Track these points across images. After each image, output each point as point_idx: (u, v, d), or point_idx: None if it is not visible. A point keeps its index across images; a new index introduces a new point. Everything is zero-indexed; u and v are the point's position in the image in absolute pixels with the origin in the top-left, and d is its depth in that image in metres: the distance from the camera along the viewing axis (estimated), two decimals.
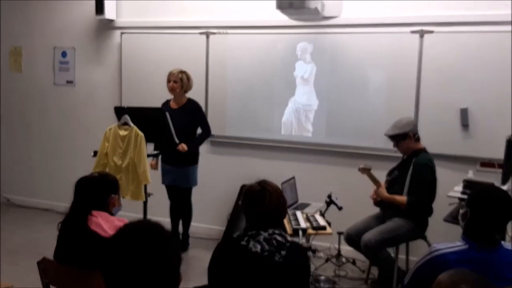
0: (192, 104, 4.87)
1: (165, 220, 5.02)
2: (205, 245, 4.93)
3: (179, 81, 4.79)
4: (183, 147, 4.66)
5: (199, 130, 4.93)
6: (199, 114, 4.91)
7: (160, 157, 4.94)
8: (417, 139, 4.07)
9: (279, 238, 2.18)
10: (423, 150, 4.08)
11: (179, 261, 1.47)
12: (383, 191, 4.03)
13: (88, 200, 2.61)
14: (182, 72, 4.83)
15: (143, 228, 1.48)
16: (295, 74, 5.13)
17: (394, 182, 4.08)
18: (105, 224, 2.56)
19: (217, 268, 2.25)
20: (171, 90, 4.82)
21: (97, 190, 2.66)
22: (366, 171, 4.07)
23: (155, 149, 4.88)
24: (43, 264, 2.62)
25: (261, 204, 2.25)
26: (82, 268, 2.46)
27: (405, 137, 4.01)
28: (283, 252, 2.17)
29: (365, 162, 4.19)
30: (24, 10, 6.36)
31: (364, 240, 3.89)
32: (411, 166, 3.97)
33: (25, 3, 6.32)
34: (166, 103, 4.91)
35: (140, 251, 1.40)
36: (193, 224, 5.17)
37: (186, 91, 4.87)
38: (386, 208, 4.09)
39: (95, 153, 4.35)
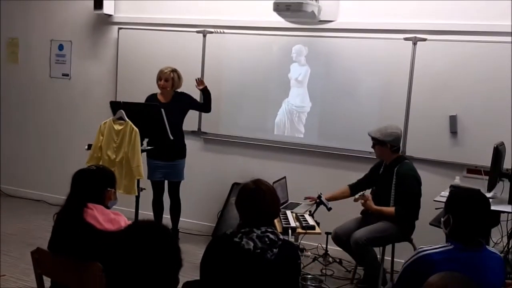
0: (180, 95, 4.93)
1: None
2: (195, 241, 4.98)
3: (170, 80, 4.84)
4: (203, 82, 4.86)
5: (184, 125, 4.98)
6: (191, 98, 4.96)
7: (145, 153, 4.93)
8: (395, 151, 4.13)
9: (271, 236, 2.25)
10: (403, 158, 4.18)
11: (180, 266, 1.57)
12: (371, 204, 4.07)
13: (85, 193, 2.65)
14: (173, 70, 4.86)
15: (153, 229, 1.56)
16: (289, 76, 5.20)
17: (378, 193, 4.16)
18: (100, 216, 2.60)
19: (210, 263, 2.32)
20: (162, 88, 4.86)
21: (94, 183, 2.69)
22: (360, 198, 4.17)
23: (148, 145, 4.88)
24: (36, 254, 2.65)
25: (255, 202, 2.31)
26: (76, 259, 2.51)
27: (382, 144, 4.10)
28: (275, 250, 2.23)
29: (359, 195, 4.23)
30: (23, 2, 6.36)
31: (354, 237, 3.95)
32: (394, 175, 4.04)
33: None
34: (152, 96, 4.94)
35: (147, 251, 1.48)
36: (183, 219, 5.20)
37: (175, 89, 4.93)
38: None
39: (89, 146, 4.38)
